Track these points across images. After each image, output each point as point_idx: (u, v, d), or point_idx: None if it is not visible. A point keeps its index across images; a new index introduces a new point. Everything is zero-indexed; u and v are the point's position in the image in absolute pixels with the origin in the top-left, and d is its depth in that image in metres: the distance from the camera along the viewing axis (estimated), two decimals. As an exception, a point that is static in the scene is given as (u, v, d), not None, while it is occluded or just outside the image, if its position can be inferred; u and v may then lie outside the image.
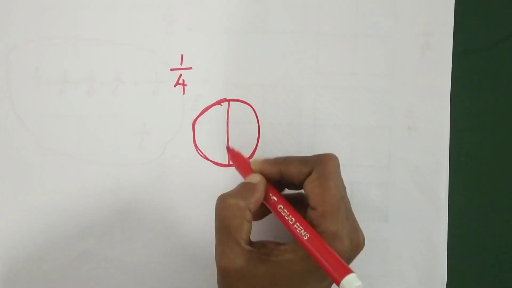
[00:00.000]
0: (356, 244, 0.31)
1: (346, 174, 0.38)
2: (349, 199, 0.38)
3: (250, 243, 0.31)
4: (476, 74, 0.38)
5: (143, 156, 0.38)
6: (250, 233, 0.32)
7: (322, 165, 0.31)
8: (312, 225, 0.30)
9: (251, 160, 0.34)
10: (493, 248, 0.38)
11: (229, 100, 0.38)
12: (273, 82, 0.38)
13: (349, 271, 0.27)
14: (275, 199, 0.32)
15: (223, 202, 0.31)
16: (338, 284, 0.27)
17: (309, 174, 0.31)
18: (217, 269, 0.31)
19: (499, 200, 0.39)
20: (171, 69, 0.38)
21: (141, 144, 0.38)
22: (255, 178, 0.33)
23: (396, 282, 0.38)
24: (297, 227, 0.30)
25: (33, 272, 0.38)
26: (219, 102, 0.38)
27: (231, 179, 0.38)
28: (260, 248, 0.31)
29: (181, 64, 0.38)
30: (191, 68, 0.38)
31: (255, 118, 0.38)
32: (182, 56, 0.38)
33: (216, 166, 0.38)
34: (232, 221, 0.30)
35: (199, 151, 0.38)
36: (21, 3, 0.37)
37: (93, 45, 0.38)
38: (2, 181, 0.38)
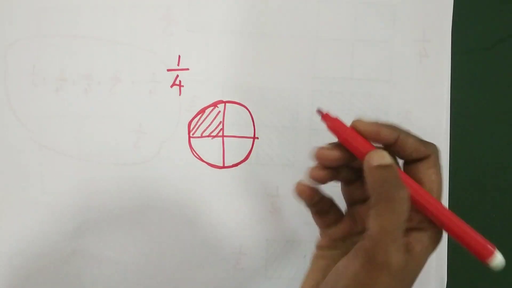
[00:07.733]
0: None
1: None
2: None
3: None
4: (476, 74, 0.38)
5: (138, 156, 0.38)
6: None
7: (439, 154, 0.29)
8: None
9: (354, 122, 0.28)
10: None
11: (225, 102, 0.38)
12: (270, 85, 0.38)
13: (494, 248, 0.28)
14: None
15: None
16: (487, 262, 0.28)
17: (424, 157, 0.29)
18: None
19: (499, 200, 0.39)
20: (168, 70, 0.38)
21: (137, 143, 0.38)
22: (385, 158, 0.27)
23: None
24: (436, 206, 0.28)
25: (32, 270, 0.38)
26: (215, 104, 0.38)
27: (225, 180, 0.38)
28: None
29: (178, 65, 0.38)
30: (188, 69, 0.38)
31: (251, 120, 0.38)
32: (179, 57, 0.38)
33: (211, 168, 0.38)
34: None
35: (194, 152, 0.38)
36: (19, 1, 0.37)
37: (91, 43, 0.38)
38: (-2, 178, 0.38)
